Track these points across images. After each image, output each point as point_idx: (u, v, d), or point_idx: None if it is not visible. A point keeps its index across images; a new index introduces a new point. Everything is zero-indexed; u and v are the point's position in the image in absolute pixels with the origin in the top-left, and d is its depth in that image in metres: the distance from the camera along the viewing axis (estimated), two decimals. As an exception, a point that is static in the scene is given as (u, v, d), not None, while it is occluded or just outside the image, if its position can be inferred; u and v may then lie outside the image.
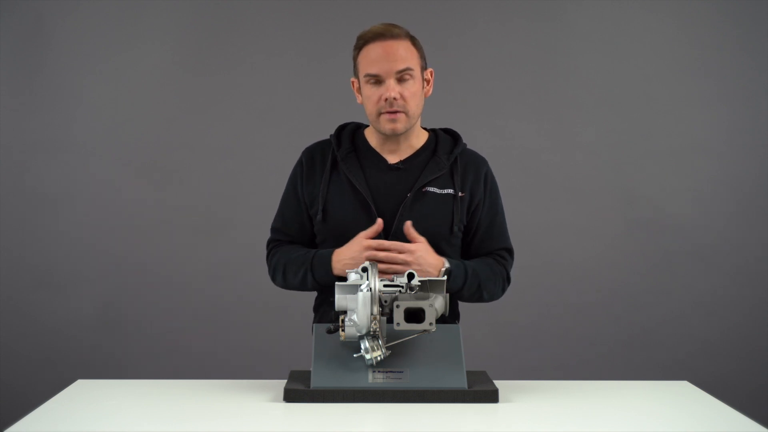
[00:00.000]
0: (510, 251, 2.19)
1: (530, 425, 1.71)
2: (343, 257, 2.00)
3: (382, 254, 1.95)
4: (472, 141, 2.24)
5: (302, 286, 2.10)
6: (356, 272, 1.88)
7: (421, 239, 1.99)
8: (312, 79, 3.65)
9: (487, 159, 2.20)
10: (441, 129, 2.20)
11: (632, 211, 3.66)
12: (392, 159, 2.11)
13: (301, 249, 2.11)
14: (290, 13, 3.64)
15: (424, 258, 1.97)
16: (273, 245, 2.17)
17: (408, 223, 2.00)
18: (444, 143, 2.14)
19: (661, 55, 3.66)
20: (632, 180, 3.67)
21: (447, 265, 2.02)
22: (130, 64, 3.62)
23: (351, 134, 2.15)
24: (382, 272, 1.93)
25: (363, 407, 1.78)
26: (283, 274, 2.11)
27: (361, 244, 1.98)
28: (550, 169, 3.67)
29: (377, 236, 2.01)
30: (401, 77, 2.01)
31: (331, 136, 2.16)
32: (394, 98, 2.00)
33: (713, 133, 3.67)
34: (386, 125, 2.04)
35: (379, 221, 2.00)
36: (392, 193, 2.07)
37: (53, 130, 3.61)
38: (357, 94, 2.10)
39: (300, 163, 2.16)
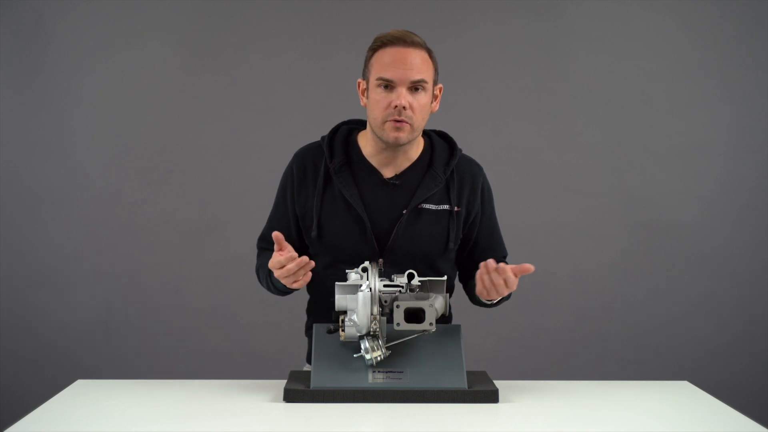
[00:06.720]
0: (506, 256, 2.18)
1: (530, 425, 1.71)
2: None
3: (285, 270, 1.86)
4: (471, 141, 2.23)
5: (269, 290, 2.07)
6: (356, 272, 1.88)
7: (494, 265, 1.89)
8: (312, 79, 3.65)
9: (486, 159, 2.17)
10: (436, 132, 2.13)
11: (632, 210, 3.66)
12: (387, 171, 2.04)
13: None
14: (290, 13, 3.64)
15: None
16: (258, 251, 2.17)
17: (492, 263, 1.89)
18: (440, 154, 2.07)
19: (661, 55, 3.66)
20: (632, 180, 3.66)
21: None
22: (130, 64, 3.62)
23: (344, 141, 2.07)
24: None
25: (363, 407, 1.78)
26: (258, 278, 2.12)
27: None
28: (550, 169, 3.66)
29: (370, 248, 1.99)
30: (414, 87, 1.95)
31: (323, 138, 2.09)
32: (404, 107, 1.93)
33: (714, 133, 3.66)
34: (390, 133, 1.96)
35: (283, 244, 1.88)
36: (387, 210, 2.02)
37: (53, 130, 3.61)
38: (361, 96, 2.03)
39: (291, 171, 2.09)
